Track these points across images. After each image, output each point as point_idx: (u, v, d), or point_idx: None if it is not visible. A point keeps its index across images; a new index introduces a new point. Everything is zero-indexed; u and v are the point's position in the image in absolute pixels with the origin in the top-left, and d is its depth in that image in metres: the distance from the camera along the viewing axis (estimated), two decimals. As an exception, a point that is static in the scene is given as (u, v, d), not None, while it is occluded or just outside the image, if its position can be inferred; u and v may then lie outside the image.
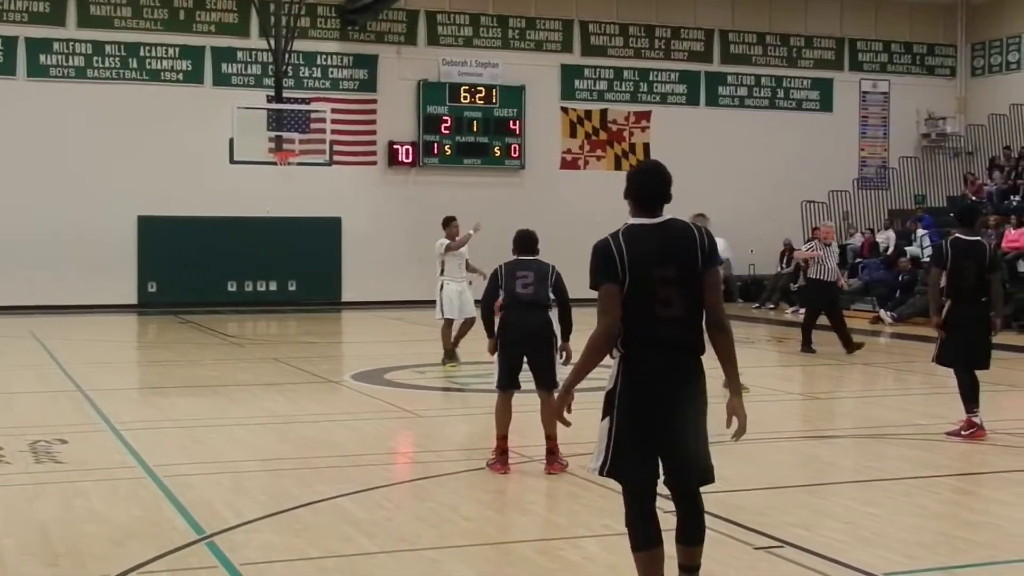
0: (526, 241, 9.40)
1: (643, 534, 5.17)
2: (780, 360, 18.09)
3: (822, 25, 30.91)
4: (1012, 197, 26.15)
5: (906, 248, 25.54)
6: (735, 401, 5.13)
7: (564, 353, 8.90)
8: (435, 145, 27.89)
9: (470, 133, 28.09)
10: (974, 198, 27.19)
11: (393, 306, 26.00)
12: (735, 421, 5.12)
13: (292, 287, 27.12)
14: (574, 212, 27.15)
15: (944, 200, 29.30)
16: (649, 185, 5.28)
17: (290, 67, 25.46)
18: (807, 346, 17.41)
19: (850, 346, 17.04)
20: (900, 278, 24.34)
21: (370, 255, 27.11)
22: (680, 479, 5.19)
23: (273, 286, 27.07)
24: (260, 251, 26.46)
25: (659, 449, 5.12)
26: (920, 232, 25.51)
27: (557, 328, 8.92)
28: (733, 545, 6.66)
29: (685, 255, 5.10)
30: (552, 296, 8.98)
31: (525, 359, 9.00)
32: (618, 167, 29.27)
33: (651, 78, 29.83)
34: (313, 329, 22.97)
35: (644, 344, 5.07)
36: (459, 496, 8.28)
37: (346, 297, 27.30)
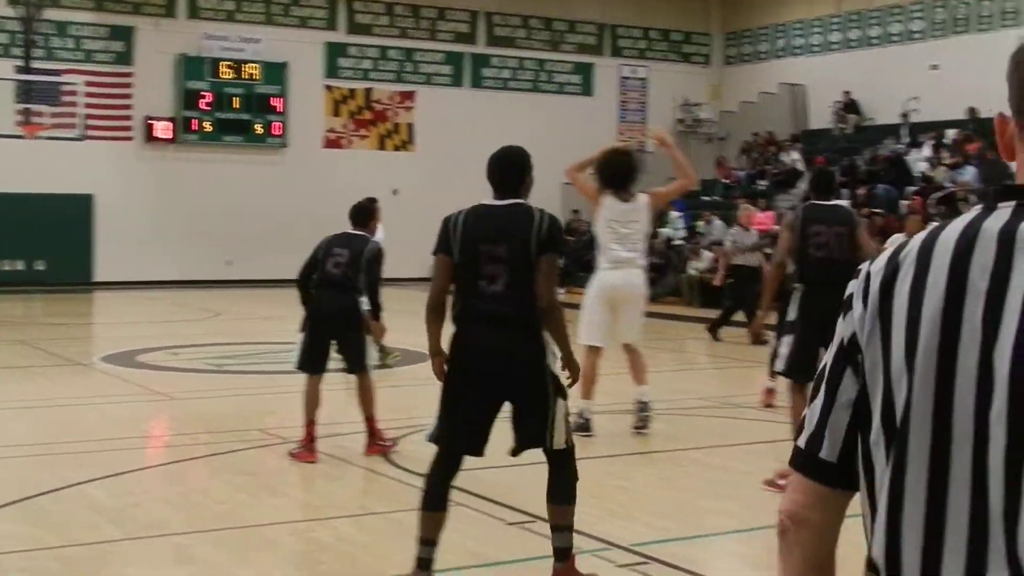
0: (353, 212, 8.91)
1: (431, 495, 5.42)
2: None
3: (584, 10, 31.52)
4: (759, 181, 27.27)
5: (659, 230, 26.29)
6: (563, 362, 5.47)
7: (376, 334, 8.83)
8: (195, 121, 27.15)
9: (231, 110, 27.45)
10: (726, 181, 28.26)
11: (150, 286, 25.24)
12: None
13: (40, 266, 25.94)
14: (338, 191, 26.90)
15: (699, 184, 30.29)
16: (492, 170, 5.58)
17: (40, 37, 24.36)
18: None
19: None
20: (653, 260, 25.05)
21: (125, 234, 26.18)
22: (517, 444, 5.45)
23: (20, 265, 25.84)
24: (4, 228, 25.18)
25: (487, 420, 5.39)
26: (674, 214, 26.29)
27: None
28: (486, 521, 6.73)
29: (518, 238, 5.28)
30: (364, 277, 8.51)
31: (334, 342, 8.57)
32: (382, 147, 29.21)
33: (416, 58, 29.82)
34: (62, 310, 22.08)
35: (468, 318, 5.36)
36: (212, 480, 8.11)
37: (99, 277, 26.32)
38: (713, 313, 18.14)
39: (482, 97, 30.25)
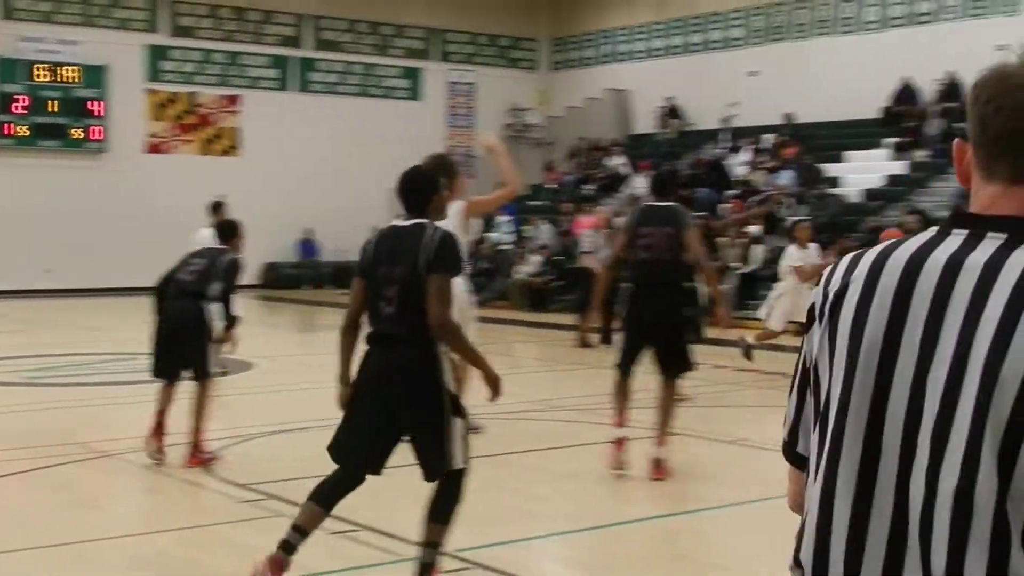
0: (219, 229, 9.04)
1: (320, 490, 5.47)
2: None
3: (412, 15, 31.50)
4: (586, 186, 27.68)
5: (487, 235, 26.45)
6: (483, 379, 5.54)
7: (229, 344, 8.78)
8: (9, 126, 26.22)
9: (48, 114, 26.59)
10: (556, 186, 28.61)
11: (-37, 296, 24.29)
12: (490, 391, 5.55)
13: None
14: (161, 197, 26.41)
15: (528, 188, 30.60)
16: (398, 190, 5.56)
17: None
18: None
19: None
20: (478, 264, 25.17)
21: (-64, 242, 25.16)
22: (423, 472, 5.45)
23: None
24: None
25: (383, 441, 5.41)
26: (501, 219, 26.48)
27: (216, 318, 8.50)
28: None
29: (410, 257, 5.26)
30: (218, 286, 8.48)
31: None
32: (207, 152, 28.70)
33: (242, 62, 29.41)
34: None
35: (370, 340, 5.43)
36: (29, 496, 7.87)
37: (-93, 287, 25.24)
38: (541, 317, 18.34)
39: (309, 101, 29.98)
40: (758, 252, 20.42)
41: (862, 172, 23.33)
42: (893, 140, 23.61)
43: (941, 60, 23.57)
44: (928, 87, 24.13)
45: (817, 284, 1.85)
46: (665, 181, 9.12)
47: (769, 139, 25.32)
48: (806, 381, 1.84)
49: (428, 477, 5.46)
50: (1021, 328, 1.58)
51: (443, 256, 5.27)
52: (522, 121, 32.43)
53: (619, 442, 8.18)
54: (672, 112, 29.12)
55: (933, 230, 1.76)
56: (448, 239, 5.33)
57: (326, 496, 5.47)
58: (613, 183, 27.26)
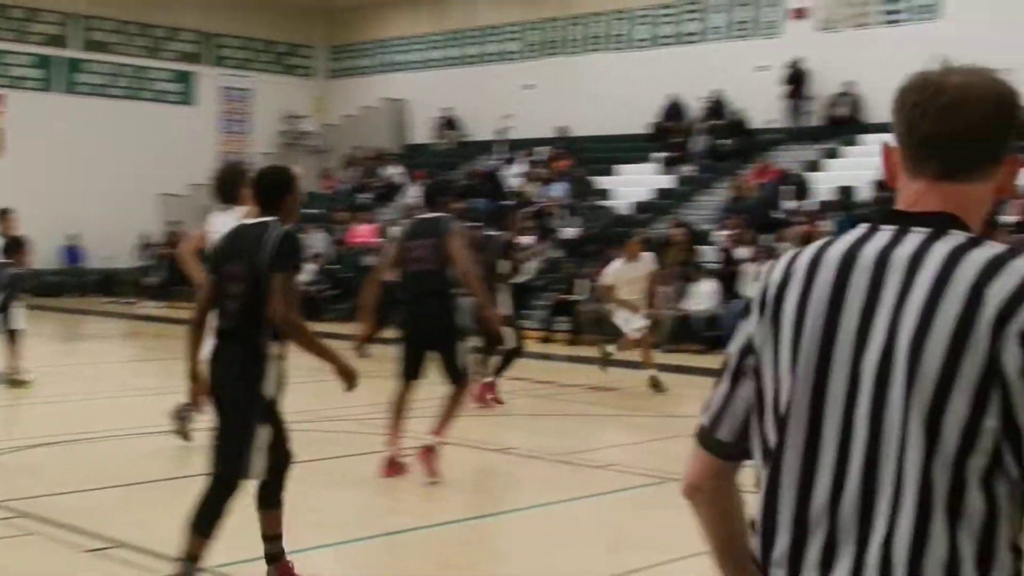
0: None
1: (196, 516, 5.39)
2: (135, 355, 17.80)
3: (185, 17, 30.78)
4: (361, 194, 27.59)
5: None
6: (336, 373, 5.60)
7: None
8: None
9: None
10: (331, 194, 28.41)
11: None
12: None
13: None
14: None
15: (305, 196, 30.29)
16: (253, 190, 5.61)
17: None
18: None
19: None
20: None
21: None
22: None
23: None
24: None
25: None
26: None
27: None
28: (63, 549, 6.44)
29: (252, 255, 5.29)
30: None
31: None
32: (-35, 153, 27.39)
33: (5, 61, 28.19)
34: None
35: (215, 333, 5.46)
36: None
37: None
38: (315, 326, 18.08)
39: (76, 103, 28.95)
40: (531, 264, 20.71)
41: (632, 185, 23.96)
42: (662, 155, 24.33)
43: (707, 79, 24.44)
44: (694, 104, 24.98)
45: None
46: (434, 192, 9.19)
47: (543, 151, 25.74)
48: (741, 371, 1.98)
49: (222, 476, 5.41)
50: (939, 316, 1.74)
51: (284, 254, 5.30)
52: (298, 128, 32.11)
53: (425, 451, 8.28)
54: (449, 123, 29.30)
55: (864, 227, 1.90)
56: (289, 237, 5.37)
57: (198, 519, 5.42)
58: (389, 192, 27.25)
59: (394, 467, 8.35)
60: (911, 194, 1.89)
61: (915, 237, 1.83)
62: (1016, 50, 20.88)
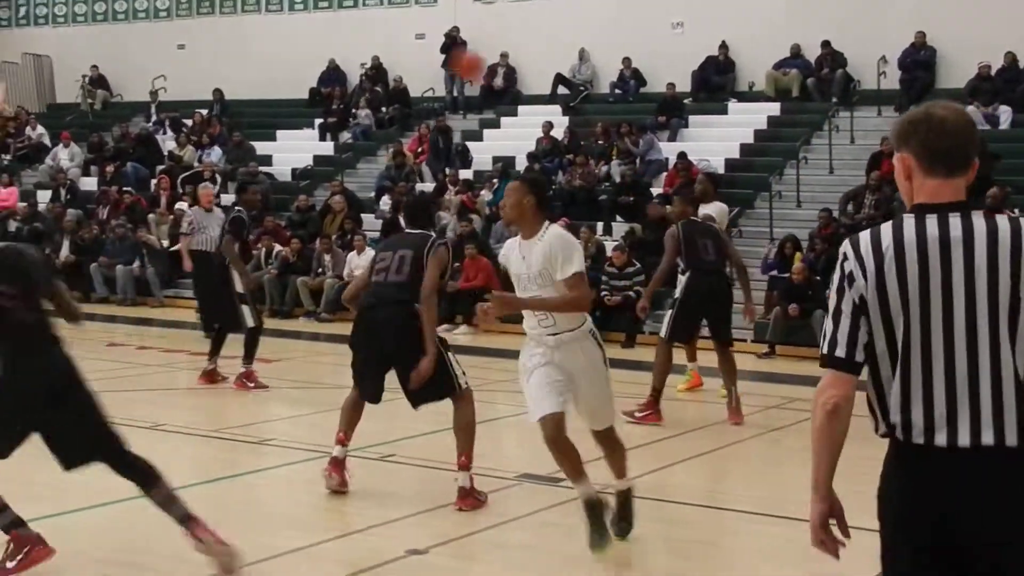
0: None
1: None
2: None
3: None
4: (2, 156, 25.96)
5: None
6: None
7: None
8: None
9: None
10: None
11: None
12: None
13: None
14: None
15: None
16: None
17: None
18: None
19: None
20: None
21: None
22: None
23: None
24: None
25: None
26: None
27: None
28: None
29: None
30: None
31: None
32: None
33: None
34: None
35: None
36: None
37: None
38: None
39: None
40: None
41: (292, 151, 23.66)
42: (320, 121, 24.12)
43: (366, 45, 24.40)
44: (354, 71, 24.88)
45: None
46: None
47: (199, 115, 24.96)
48: (860, 312, 2.98)
49: (66, 467, 5.32)
50: (1000, 263, 2.90)
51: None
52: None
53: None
54: (98, 82, 27.95)
55: (911, 216, 2.98)
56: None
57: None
58: (33, 154, 25.75)
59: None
60: (930, 189, 2.99)
61: (956, 219, 2.94)
62: (651, 31, 21.94)
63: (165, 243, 20.22)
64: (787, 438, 9.47)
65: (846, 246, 3.04)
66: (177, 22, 27.73)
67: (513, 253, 6.01)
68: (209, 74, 25.70)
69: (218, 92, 25.48)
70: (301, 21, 26.10)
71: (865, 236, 3.02)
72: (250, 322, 11.15)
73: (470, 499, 6.80)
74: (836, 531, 3.11)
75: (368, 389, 7.18)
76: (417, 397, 7.06)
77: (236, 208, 11.24)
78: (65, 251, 20.55)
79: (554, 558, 5.88)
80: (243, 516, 6.89)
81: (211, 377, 11.44)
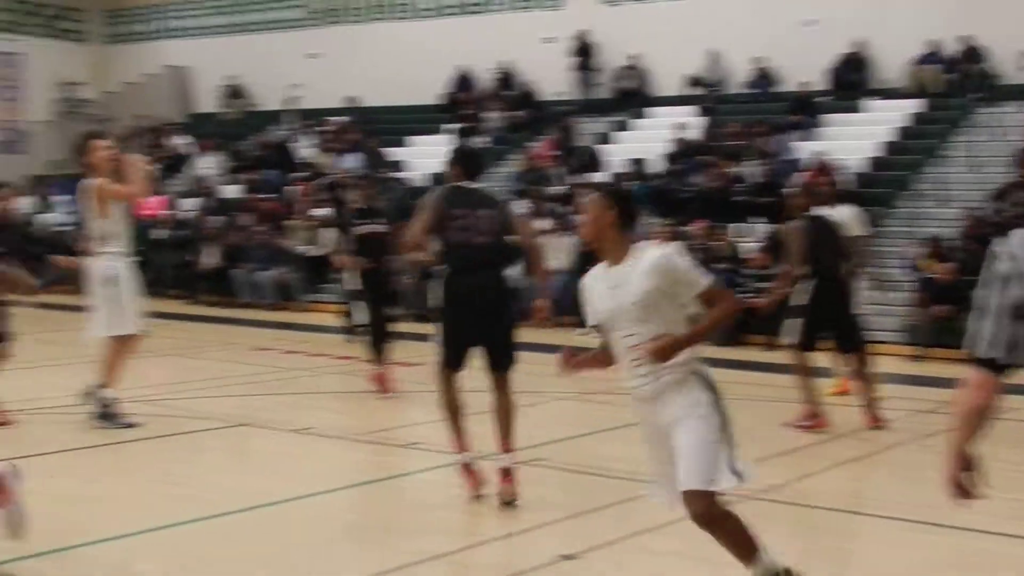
0: None
1: None
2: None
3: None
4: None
5: (40, 216, 25.04)
6: None
7: None
8: None
9: None
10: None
11: None
12: None
13: None
14: None
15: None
16: None
17: None
18: None
19: None
20: (32, 247, 23.80)
21: None
22: None
23: None
24: None
25: None
26: (55, 199, 25.13)
27: None
28: None
29: None
30: None
31: None
32: None
33: None
34: None
35: None
36: None
37: None
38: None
39: None
40: (327, 235, 20.46)
41: (425, 157, 23.94)
42: (454, 126, 24.39)
43: (494, 50, 24.61)
44: (483, 76, 25.09)
45: None
46: (475, 157, 7.98)
47: (334, 122, 25.42)
48: (1020, 313, 2.95)
49: None
50: None
51: None
52: (75, 96, 30.83)
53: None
54: (235, 92, 28.66)
55: None
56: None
57: None
58: (176, 164, 26.51)
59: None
60: None
61: None
62: (782, 29, 21.76)
63: (310, 249, 20.38)
64: (940, 443, 9.33)
65: (999, 244, 3.00)
66: (308, 32, 28.25)
67: (597, 287, 4.90)
68: (341, 81, 26.16)
69: (354, 99, 25.90)
70: (427, 27, 26.40)
71: (1020, 234, 3.01)
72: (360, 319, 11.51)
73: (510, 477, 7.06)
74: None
75: (457, 359, 7.16)
76: (505, 363, 7.15)
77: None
78: (212, 258, 21.12)
79: (702, 567, 5.92)
80: (391, 520, 7.05)
81: (381, 380, 11.49)
